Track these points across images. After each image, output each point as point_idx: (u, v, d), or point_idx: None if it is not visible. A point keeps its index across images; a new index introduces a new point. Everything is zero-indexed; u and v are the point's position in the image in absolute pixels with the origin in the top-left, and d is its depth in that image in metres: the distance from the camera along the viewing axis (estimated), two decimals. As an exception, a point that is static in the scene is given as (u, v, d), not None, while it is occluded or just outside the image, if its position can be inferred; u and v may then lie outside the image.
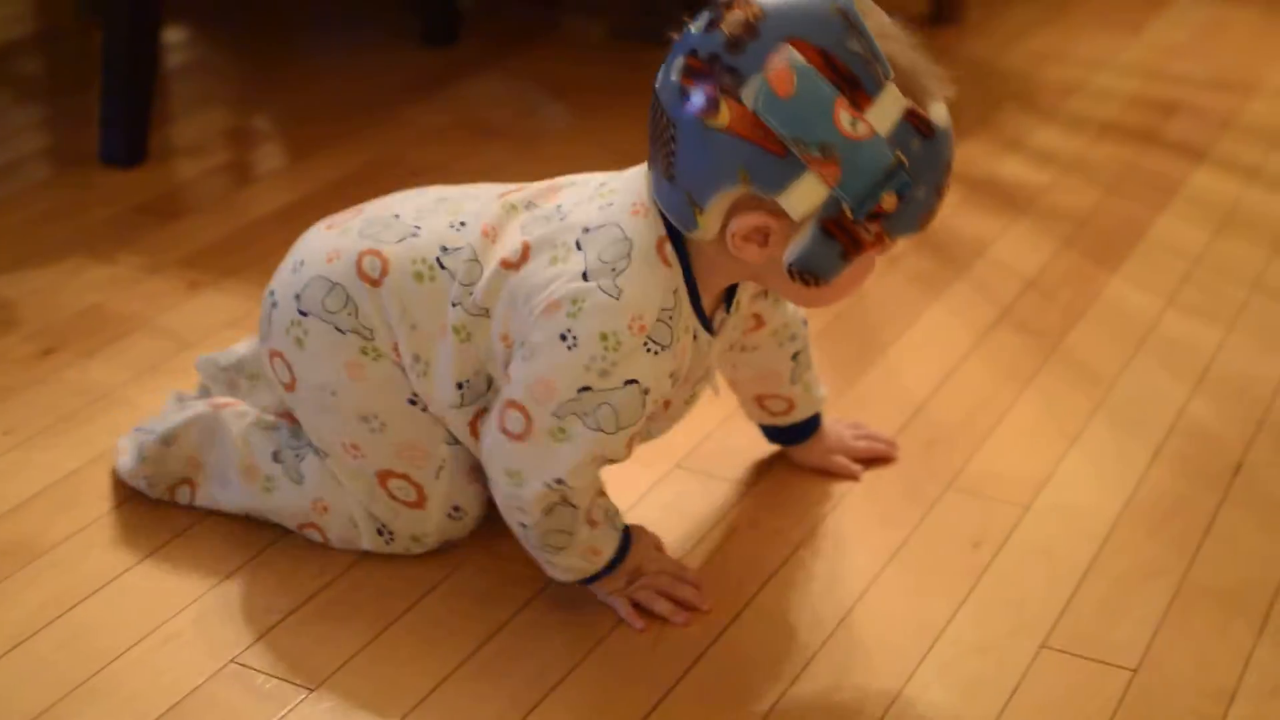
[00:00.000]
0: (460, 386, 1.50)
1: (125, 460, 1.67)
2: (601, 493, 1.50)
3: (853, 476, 1.73)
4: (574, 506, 1.47)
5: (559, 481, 1.44)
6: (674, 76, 1.36)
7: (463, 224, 1.51)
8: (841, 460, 1.74)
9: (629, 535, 1.53)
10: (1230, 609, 1.55)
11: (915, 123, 1.33)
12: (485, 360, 1.49)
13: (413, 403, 1.53)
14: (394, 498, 1.56)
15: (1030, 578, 1.58)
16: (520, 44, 2.99)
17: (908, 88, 1.33)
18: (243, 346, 1.75)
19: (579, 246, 1.42)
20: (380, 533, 1.58)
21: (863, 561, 1.61)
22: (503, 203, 1.51)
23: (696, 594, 1.53)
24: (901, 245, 1.54)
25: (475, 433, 1.52)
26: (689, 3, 1.47)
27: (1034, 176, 2.47)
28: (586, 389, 1.41)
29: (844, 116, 1.31)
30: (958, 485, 1.72)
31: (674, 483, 1.71)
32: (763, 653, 1.49)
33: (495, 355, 1.48)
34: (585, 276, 1.40)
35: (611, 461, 1.47)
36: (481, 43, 2.98)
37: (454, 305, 1.48)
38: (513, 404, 1.44)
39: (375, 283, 1.51)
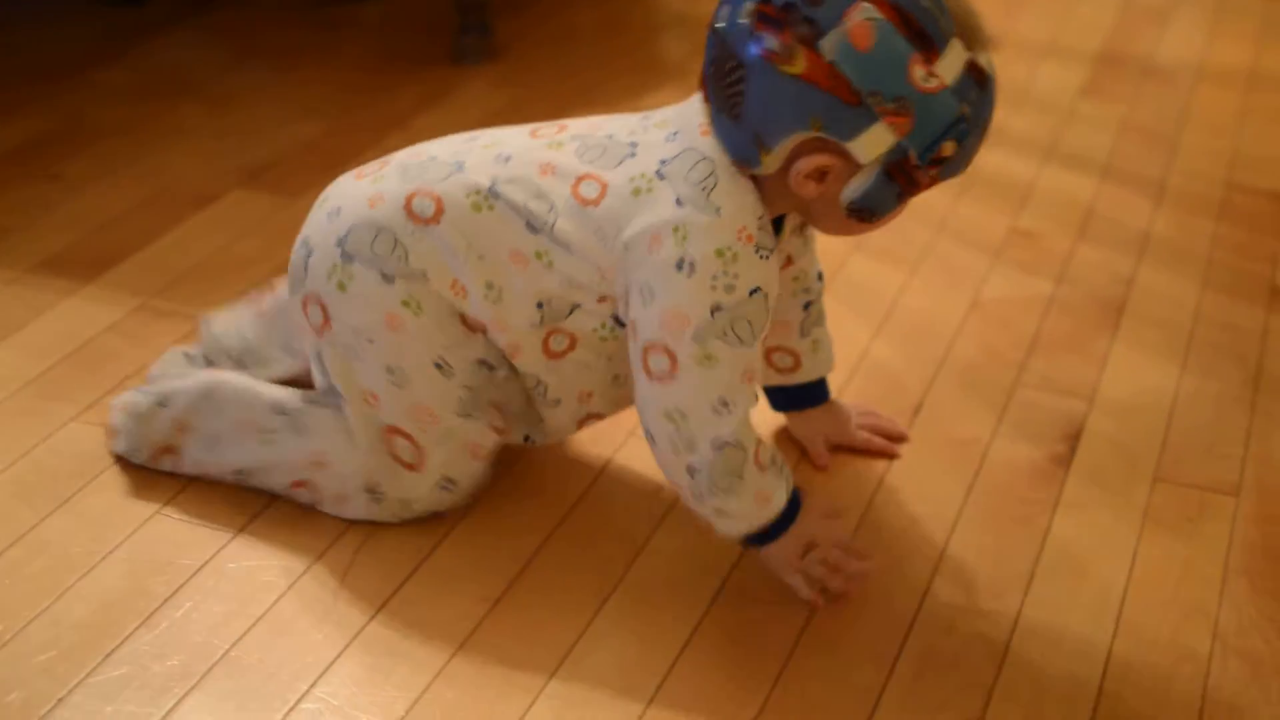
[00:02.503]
0: (540, 306, 1.51)
1: (115, 418, 1.68)
2: (761, 440, 1.48)
3: (820, 466, 1.73)
4: (741, 448, 1.46)
5: (724, 404, 1.44)
6: (743, 19, 1.37)
7: (508, 158, 1.52)
8: (819, 448, 1.74)
9: (798, 494, 1.52)
10: (906, 547, 1.60)
11: (974, 74, 1.38)
12: (569, 288, 1.50)
13: (438, 366, 1.54)
14: (395, 455, 1.57)
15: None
16: (212, 2, 2.94)
17: (965, 39, 1.38)
18: (249, 329, 1.74)
19: (660, 175, 1.45)
20: (371, 491, 1.58)
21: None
22: (543, 140, 1.52)
23: (866, 567, 1.53)
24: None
25: (548, 353, 1.54)
26: None
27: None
28: (718, 308, 1.43)
29: (918, 71, 1.35)
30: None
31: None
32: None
33: (585, 285, 1.49)
34: (679, 202, 1.43)
35: (753, 400, 1.48)
36: (172, 1, 2.92)
37: (534, 232, 1.49)
38: (651, 346, 1.45)
39: (430, 220, 1.51)
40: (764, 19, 1.36)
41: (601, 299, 1.50)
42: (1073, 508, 1.67)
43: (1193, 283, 2.10)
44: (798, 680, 1.43)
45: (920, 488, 1.68)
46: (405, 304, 1.52)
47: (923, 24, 1.35)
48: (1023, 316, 2.01)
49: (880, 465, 1.71)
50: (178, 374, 1.70)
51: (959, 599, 1.53)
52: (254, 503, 1.61)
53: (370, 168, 1.59)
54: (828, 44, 1.34)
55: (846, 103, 1.36)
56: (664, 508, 1.63)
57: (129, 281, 2.01)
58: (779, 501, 1.50)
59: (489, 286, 1.51)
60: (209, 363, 1.74)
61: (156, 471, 1.65)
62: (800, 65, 1.35)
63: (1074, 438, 1.77)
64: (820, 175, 1.41)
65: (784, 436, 1.76)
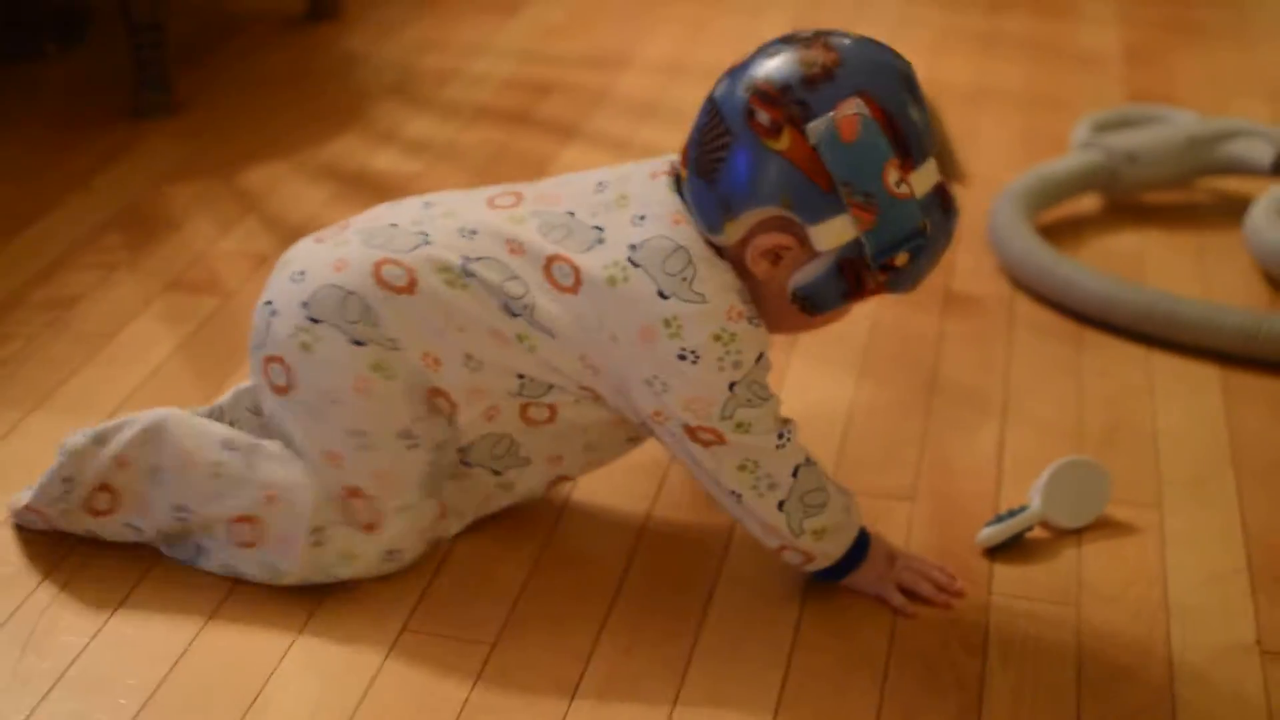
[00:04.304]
0: (521, 378, 1.53)
1: (35, 486, 1.59)
2: None
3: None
4: (813, 464, 1.53)
5: (780, 437, 1.51)
6: (741, 93, 1.43)
7: (473, 232, 1.53)
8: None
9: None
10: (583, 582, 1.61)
11: (942, 198, 1.46)
12: (549, 372, 1.53)
13: (404, 436, 1.53)
14: (349, 512, 1.54)
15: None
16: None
17: (941, 164, 1.46)
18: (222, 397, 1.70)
19: (634, 263, 1.48)
20: (314, 532, 1.53)
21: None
22: (502, 214, 1.55)
23: (949, 573, 1.59)
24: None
25: (526, 420, 1.56)
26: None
27: (406, 166, 2.49)
28: (733, 383, 1.47)
29: (892, 175, 1.40)
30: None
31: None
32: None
33: (566, 373, 1.52)
34: (662, 295, 1.46)
35: None
36: None
37: (513, 315, 1.51)
38: (690, 430, 1.50)
39: (403, 290, 1.51)
40: (760, 95, 1.42)
41: (582, 389, 1.53)
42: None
43: (869, 294, 2.15)
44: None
45: (603, 506, 1.70)
46: (375, 368, 1.52)
47: (906, 134, 1.42)
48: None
49: (560, 496, 1.72)
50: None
51: (639, 622, 1.54)
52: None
53: (329, 232, 1.60)
54: (814, 129, 1.40)
55: (818, 186, 1.41)
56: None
57: None
58: (857, 508, 1.57)
59: (469, 357, 1.52)
60: None
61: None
62: (784, 143, 1.41)
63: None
64: (775, 256, 1.45)
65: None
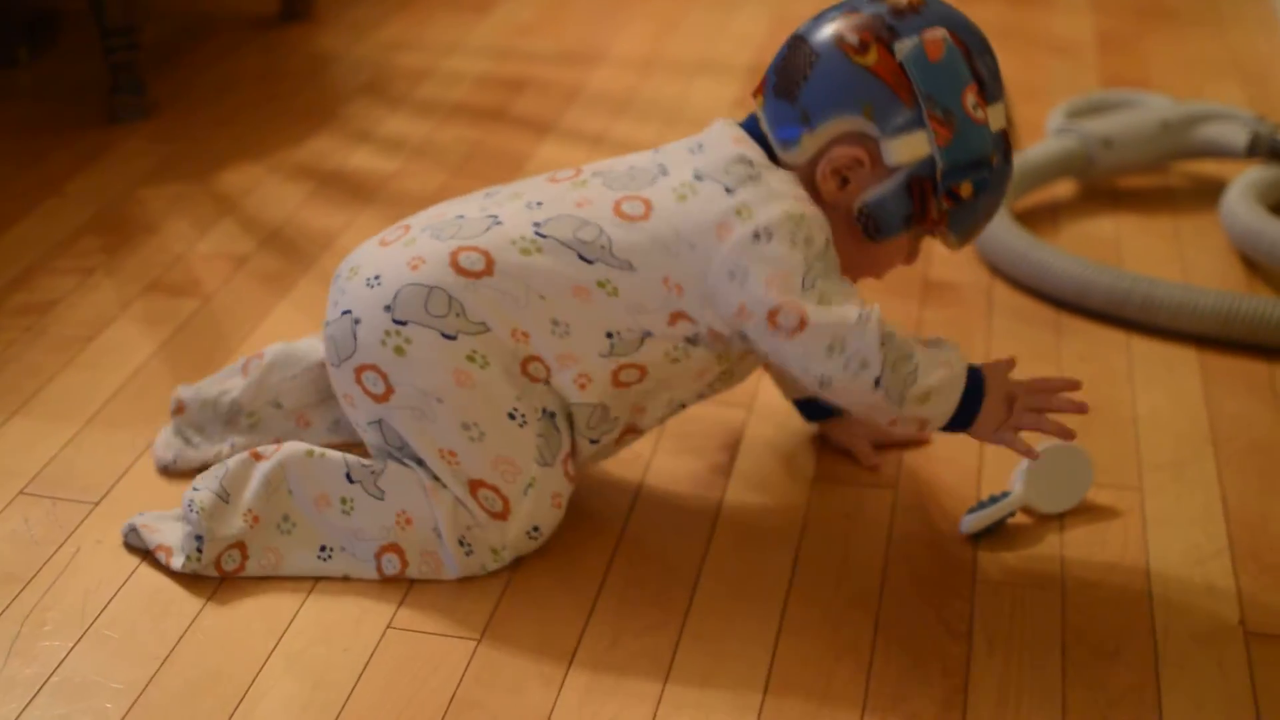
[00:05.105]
0: (610, 336, 1.54)
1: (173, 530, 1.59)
2: None
3: (873, 466, 1.76)
4: (894, 334, 1.52)
5: (861, 316, 1.50)
6: (828, 24, 1.51)
7: (539, 204, 1.57)
8: (865, 448, 1.77)
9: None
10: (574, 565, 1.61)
11: (1005, 142, 1.54)
12: (637, 314, 1.54)
13: (512, 417, 1.55)
14: (481, 506, 1.56)
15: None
16: None
17: (1007, 113, 1.54)
18: (232, 387, 1.73)
19: (699, 178, 1.54)
20: (461, 543, 1.55)
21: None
22: (565, 184, 1.59)
23: (1075, 388, 1.60)
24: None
25: (617, 383, 1.57)
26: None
27: (382, 165, 2.49)
28: (807, 258, 1.50)
29: (970, 98, 1.50)
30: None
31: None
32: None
33: (653, 307, 1.53)
34: (729, 191, 1.52)
35: None
36: None
37: (590, 262, 1.53)
38: (773, 312, 1.50)
39: (482, 274, 1.53)
40: (849, 21, 1.51)
41: (674, 318, 1.54)
42: (736, 510, 1.70)
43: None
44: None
45: (586, 500, 1.70)
46: (470, 359, 1.53)
47: (984, 71, 1.51)
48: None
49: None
50: (218, 465, 1.61)
51: (621, 617, 1.54)
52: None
53: (393, 233, 1.61)
54: (901, 46, 1.49)
55: (901, 100, 1.49)
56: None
57: None
58: (956, 356, 1.56)
59: (555, 323, 1.54)
60: (199, 433, 1.73)
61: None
62: (872, 58, 1.49)
63: (734, 447, 1.81)
64: (844, 179, 1.52)
65: (824, 448, 1.80)
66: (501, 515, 1.56)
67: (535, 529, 1.58)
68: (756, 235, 1.50)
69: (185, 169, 2.46)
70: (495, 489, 1.56)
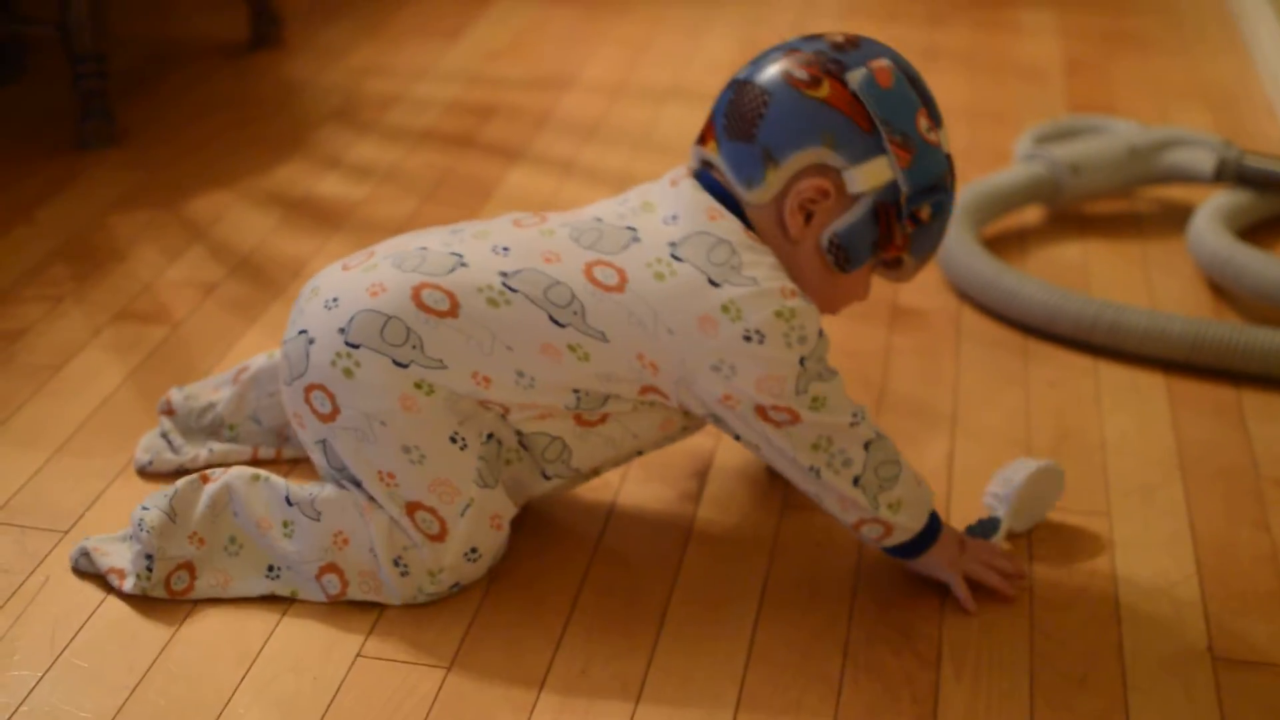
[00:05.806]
0: (576, 393, 1.55)
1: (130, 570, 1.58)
2: None
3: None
4: (883, 439, 1.55)
5: (853, 415, 1.53)
6: (771, 65, 1.54)
7: (506, 249, 1.56)
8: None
9: None
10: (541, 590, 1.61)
11: (951, 165, 1.56)
12: (607, 382, 1.54)
13: (454, 440, 1.54)
14: (418, 528, 1.55)
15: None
16: None
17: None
18: (220, 399, 1.78)
19: (677, 258, 1.53)
20: (396, 563, 1.55)
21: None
22: (531, 230, 1.58)
23: (1021, 569, 1.62)
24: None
25: (580, 422, 1.58)
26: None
27: (351, 191, 2.49)
28: (803, 359, 1.50)
29: (923, 122, 1.53)
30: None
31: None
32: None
33: (624, 378, 1.54)
34: (714, 283, 1.51)
35: None
36: None
37: (562, 325, 1.52)
38: (761, 411, 1.52)
39: (446, 314, 1.53)
40: (794, 59, 1.53)
41: (645, 390, 1.55)
42: (706, 537, 1.70)
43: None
44: None
45: (554, 526, 1.70)
46: (418, 386, 1.53)
47: (927, 96, 1.55)
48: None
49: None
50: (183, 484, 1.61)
51: (591, 644, 1.54)
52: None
53: (356, 259, 1.61)
54: (852, 77, 1.51)
55: (859, 127, 1.51)
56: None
57: None
58: (926, 484, 1.59)
59: (520, 375, 1.54)
60: (183, 437, 1.76)
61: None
62: (825, 91, 1.51)
63: (703, 474, 1.81)
64: (812, 205, 1.52)
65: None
66: (439, 537, 1.56)
67: (473, 551, 1.57)
68: (747, 337, 1.50)
69: (154, 196, 2.45)
70: (433, 510, 1.55)
